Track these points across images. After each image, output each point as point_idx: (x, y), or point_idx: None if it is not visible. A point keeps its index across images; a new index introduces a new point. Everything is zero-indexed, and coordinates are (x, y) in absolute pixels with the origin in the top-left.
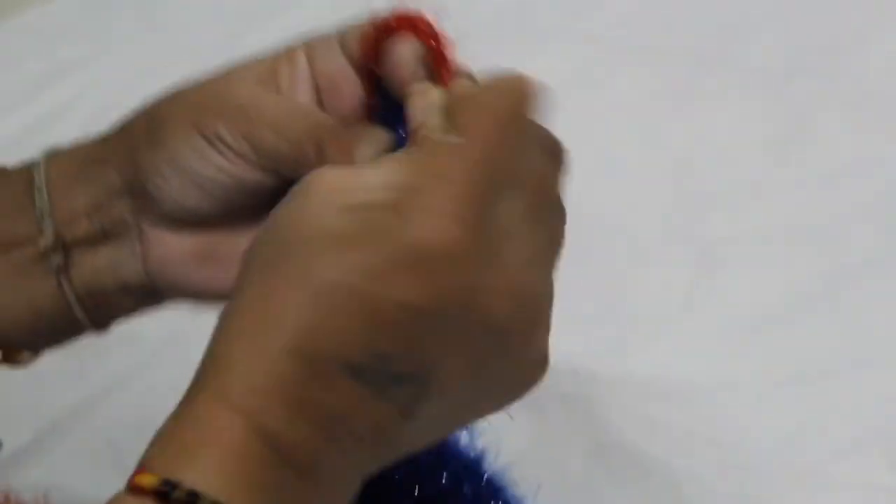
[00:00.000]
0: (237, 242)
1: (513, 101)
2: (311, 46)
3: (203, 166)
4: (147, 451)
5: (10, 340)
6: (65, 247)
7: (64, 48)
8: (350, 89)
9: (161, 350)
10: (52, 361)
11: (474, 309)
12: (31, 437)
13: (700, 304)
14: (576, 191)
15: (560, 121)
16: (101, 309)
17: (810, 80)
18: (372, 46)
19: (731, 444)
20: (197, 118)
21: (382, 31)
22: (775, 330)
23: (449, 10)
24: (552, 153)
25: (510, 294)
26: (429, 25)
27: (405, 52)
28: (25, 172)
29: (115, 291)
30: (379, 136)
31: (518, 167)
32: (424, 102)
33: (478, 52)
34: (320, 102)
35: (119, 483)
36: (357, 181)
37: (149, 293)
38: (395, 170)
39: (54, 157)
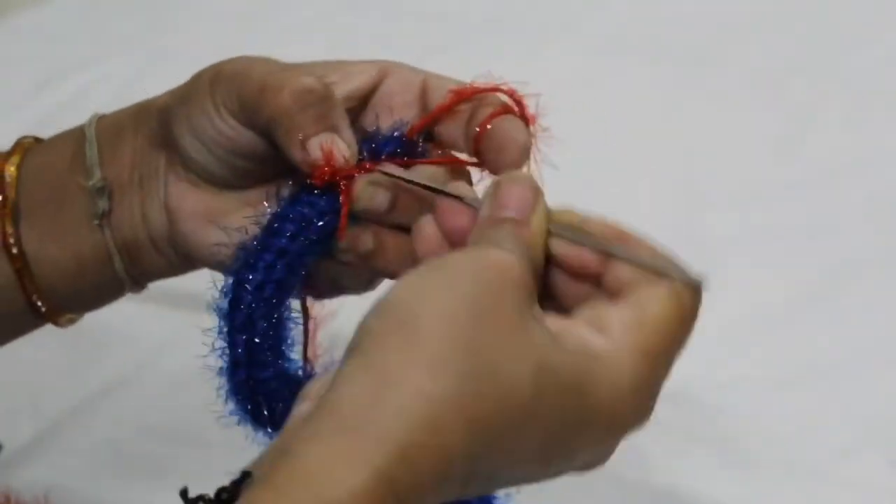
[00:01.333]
0: (246, 211)
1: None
2: (386, 64)
3: (207, 127)
4: (258, 493)
5: (56, 293)
6: (111, 193)
7: (64, 48)
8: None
9: (161, 350)
10: (53, 361)
11: (603, 453)
12: (31, 437)
13: (700, 303)
14: (575, 190)
15: (560, 121)
16: (135, 263)
17: (810, 80)
18: (455, 103)
19: (731, 444)
20: (213, 84)
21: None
22: (775, 330)
23: (449, 11)
24: None
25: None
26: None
27: (518, 134)
28: (78, 131)
29: (146, 244)
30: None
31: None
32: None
33: (478, 52)
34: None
35: (119, 483)
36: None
37: (170, 252)
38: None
39: (105, 115)
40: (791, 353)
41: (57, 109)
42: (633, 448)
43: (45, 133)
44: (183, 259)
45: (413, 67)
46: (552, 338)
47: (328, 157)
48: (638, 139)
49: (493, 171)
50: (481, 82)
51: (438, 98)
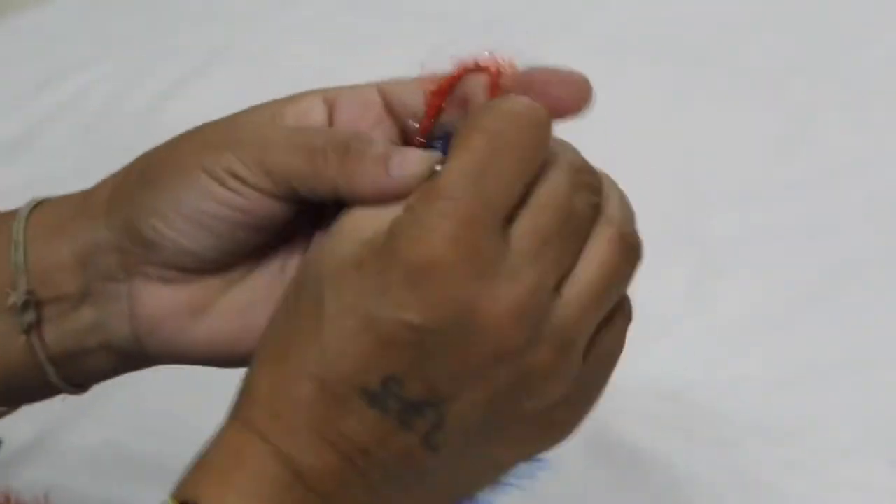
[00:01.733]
0: (233, 292)
1: (509, 123)
2: (328, 93)
3: (209, 205)
4: (182, 476)
5: None
6: (39, 305)
7: (64, 48)
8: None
9: None
10: None
11: (475, 327)
12: (31, 437)
13: (701, 303)
14: None
15: (560, 121)
16: (78, 370)
17: (810, 80)
18: (447, 84)
19: (731, 444)
20: (200, 157)
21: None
22: (776, 330)
23: (449, 11)
24: (578, 175)
25: (516, 317)
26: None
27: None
28: (4, 226)
29: (96, 351)
30: (425, 155)
31: (528, 188)
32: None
33: (478, 52)
34: None
35: (119, 483)
36: (380, 213)
37: (132, 355)
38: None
39: (38, 210)
40: (791, 353)
41: (57, 109)
42: (633, 448)
43: (45, 133)
44: (148, 361)
45: (355, 87)
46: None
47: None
48: (638, 139)
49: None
50: (449, 69)
51: (408, 102)
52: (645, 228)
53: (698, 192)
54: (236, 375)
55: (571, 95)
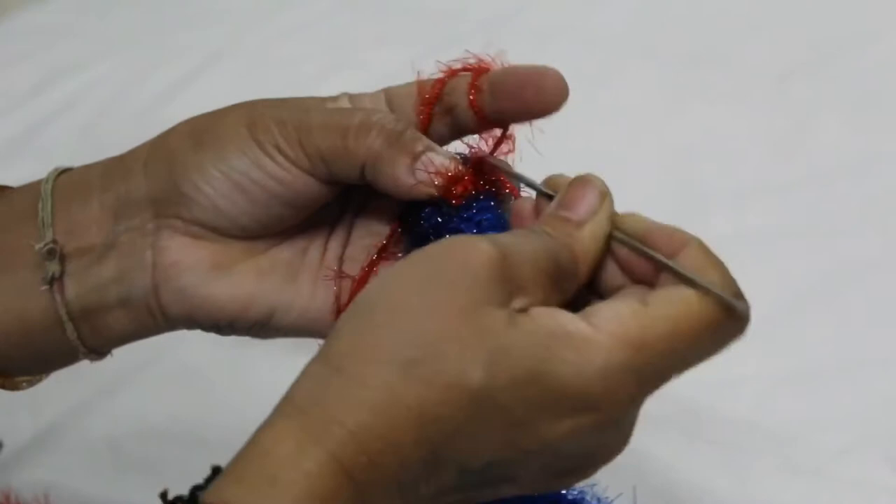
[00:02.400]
0: (254, 260)
1: (703, 328)
2: (354, 97)
3: (255, 173)
4: (222, 485)
5: (2, 360)
6: (63, 257)
7: (64, 48)
8: None
9: (161, 350)
10: None
11: (589, 456)
12: (31, 437)
13: None
14: None
15: (560, 120)
16: (94, 328)
17: (810, 80)
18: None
19: (730, 444)
20: (252, 128)
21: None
22: (775, 329)
23: (449, 11)
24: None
25: (606, 457)
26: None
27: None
28: (34, 186)
29: (112, 306)
30: (450, 165)
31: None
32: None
33: (478, 52)
34: None
35: (119, 483)
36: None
37: (148, 313)
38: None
39: (65, 172)
40: (791, 353)
41: (57, 109)
42: (633, 448)
43: (45, 133)
44: (165, 320)
45: (368, 93)
46: (510, 322)
47: (440, 173)
48: (638, 139)
49: (524, 118)
50: (439, 73)
51: (406, 105)
52: None
53: (698, 192)
54: (235, 378)
55: (545, 95)
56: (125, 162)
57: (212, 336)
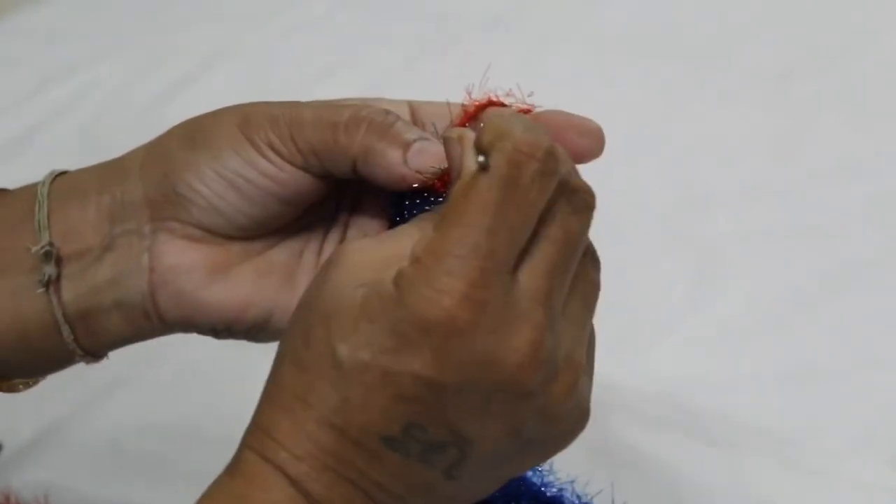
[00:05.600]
0: (251, 262)
1: (516, 167)
2: (366, 101)
3: (249, 171)
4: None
5: None
6: (59, 259)
7: (64, 48)
8: None
9: (161, 350)
10: None
11: (496, 377)
12: (31, 437)
13: (700, 303)
14: None
15: None
16: (91, 331)
17: (810, 80)
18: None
19: (730, 444)
20: (245, 127)
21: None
22: (775, 330)
23: (449, 11)
24: (579, 202)
25: (535, 360)
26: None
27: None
28: (31, 189)
29: (109, 309)
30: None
31: (536, 228)
32: (457, 148)
33: (478, 52)
34: None
35: (119, 483)
36: (376, 253)
37: (144, 316)
38: (408, 241)
39: (61, 176)
40: (791, 353)
41: (57, 109)
42: (633, 447)
43: (45, 133)
44: (162, 323)
45: (391, 100)
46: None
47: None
48: (638, 139)
49: None
50: (480, 98)
51: (435, 122)
52: (645, 228)
53: (698, 192)
54: (235, 377)
55: (586, 144)
56: (121, 164)
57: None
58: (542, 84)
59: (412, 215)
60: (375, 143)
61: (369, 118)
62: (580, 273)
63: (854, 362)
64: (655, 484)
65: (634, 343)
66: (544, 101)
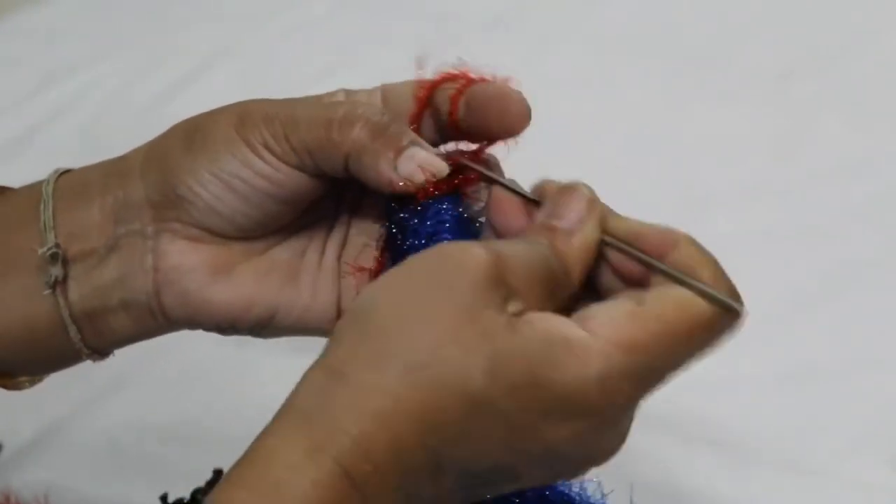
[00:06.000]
0: (254, 262)
1: (698, 332)
2: (350, 92)
3: (245, 172)
4: (226, 491)
5: (5, 362)
6: (65, 260)
7: (64, 48)
8: None
9: (161, 350)
10: None
11: (588, 456)
12: (31, 437)
13: None
14: None
15: (560, 120)
16: (97, 330)
17: (810, 80)
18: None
19: (731, 444)
20: (241, 128)
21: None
22: (775, 330)
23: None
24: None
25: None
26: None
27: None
28: (35, 187)
29: (115, 309)
30: (434, 161)
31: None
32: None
33: (479, 52)
34: None
35: (119, 483)
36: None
37: (150, 314)
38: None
39: (66, 173)
40: (791, 354)
41: (57, 109)
42: (632, 448)
43: (45, 133)
44: (167, 321)
45: (351, 91)
46: (508, 326)
47: (423, 170)
48: (638, 139)
49: (490, 137)
50: (439, 74)
51: (401, 103)
52: None
53: (698, 192)
54: (235, 377)
55: (507, 118)
56: (124, 164)
57: (213, 336)
58: (542, 84)
59: (400, 220)
60: (369, 144)
61: (364, 117)
62: None
63: (854, 362)
64: (655, 484)
65: None
66: (544, 101)
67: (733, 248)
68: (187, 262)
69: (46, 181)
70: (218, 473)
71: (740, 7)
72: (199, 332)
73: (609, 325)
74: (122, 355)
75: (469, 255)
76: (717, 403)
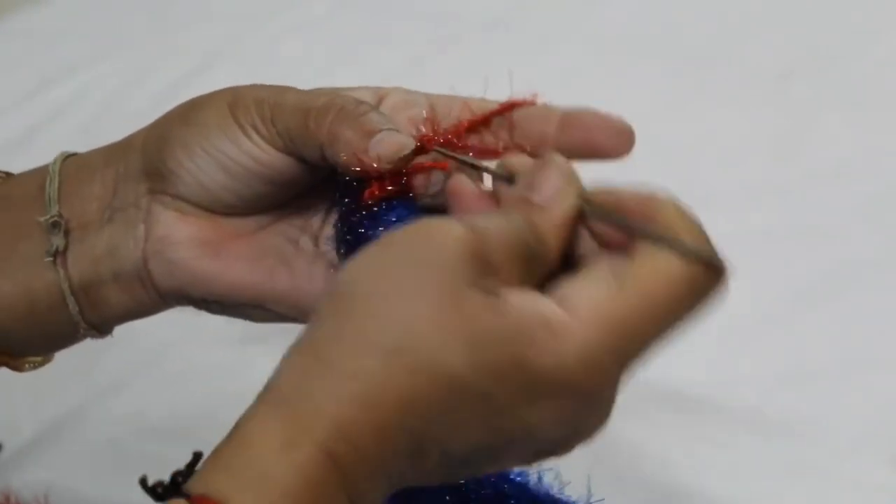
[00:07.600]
0: (245, 242)
1: (695, 288)
2: (381, 90)
3: (233, 150)
4: (209, 475)
5: (7, 336)
6: (67, 231)
7: (64, 48)
8: None
9: (161, 350)
10: (53, 361)
11: (571, 435)
12: (31, 437)
13: None
14: None
15: None
16: (93, 303)
17: (810, 80)
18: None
19: (730, 444)
20: (234, 107)
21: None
22: (775, 330)
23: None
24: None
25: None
26: None
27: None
28: (41, 169)
29: (108, 281)
30: (405, 142)
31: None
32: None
33: (478, 52)
34: None
35: (119, 483)
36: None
37: (139, 282)
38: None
39: (74, 154)
40: (791, 353)
41: (57, 109)
42: (633, 447)
43: (45, 133)
44: (155, 295)
45: (409, 90)
46: (488, 307)
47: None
48: (638, 139)
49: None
50: (494, 103)
51: (449, 117)
52: None
53: (698, 192)
54: (235, 377)
55: (614, 141)
56: (128, 141)
57: (213, 336)
58: (543, 84)
59: (352, 224)
60: (341, 131)
61: (340, 105)
62: None
63: (854, 362)
64: (656, 484)
65: None
66: (544, 101)
67: (733, 248)
68: (175, 233)
69: (53, 161)
70: (197, 456)
71: (740, 7)
72: (199, 333)
73: (589, 305)
74: (122, 355)
75: (448, 232)
76: (718, 403)
